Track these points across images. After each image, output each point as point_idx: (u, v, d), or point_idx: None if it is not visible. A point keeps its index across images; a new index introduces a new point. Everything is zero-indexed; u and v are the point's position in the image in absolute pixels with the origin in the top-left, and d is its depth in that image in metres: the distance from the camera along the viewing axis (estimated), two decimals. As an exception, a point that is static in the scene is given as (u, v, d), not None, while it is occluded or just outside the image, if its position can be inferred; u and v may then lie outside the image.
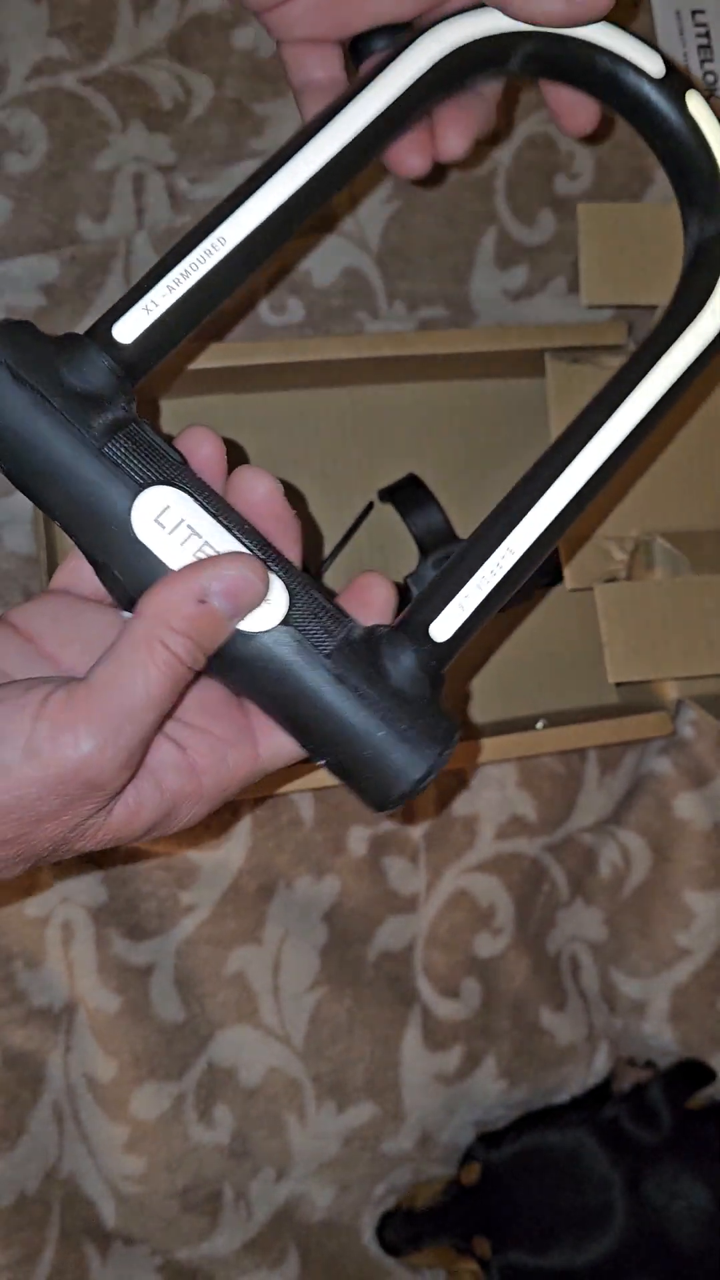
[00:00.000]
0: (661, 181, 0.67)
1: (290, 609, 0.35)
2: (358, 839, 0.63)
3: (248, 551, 0.35)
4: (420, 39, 0.40)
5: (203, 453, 0.38)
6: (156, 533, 0.35)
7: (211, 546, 0.35)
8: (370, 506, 0.63)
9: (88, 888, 0.60)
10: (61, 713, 0.32)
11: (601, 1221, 0.59)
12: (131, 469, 0.35)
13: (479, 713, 0.65)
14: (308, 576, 0.37)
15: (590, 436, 0.40)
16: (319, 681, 0.35)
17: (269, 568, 0.35)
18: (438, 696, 0.37)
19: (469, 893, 0.64)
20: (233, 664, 0.36)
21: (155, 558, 0.35)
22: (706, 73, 0.67)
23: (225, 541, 0.35)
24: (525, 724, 0.62)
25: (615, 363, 0.59)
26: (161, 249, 0.62)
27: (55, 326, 0.60)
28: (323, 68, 0.45)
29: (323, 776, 0.56)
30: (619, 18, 0.42)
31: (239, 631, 0.35)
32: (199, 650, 0.34)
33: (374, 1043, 0.63)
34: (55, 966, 0.59)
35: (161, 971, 0.61)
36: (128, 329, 0.36)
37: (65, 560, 0.41)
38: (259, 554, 0.35)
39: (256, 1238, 0.62)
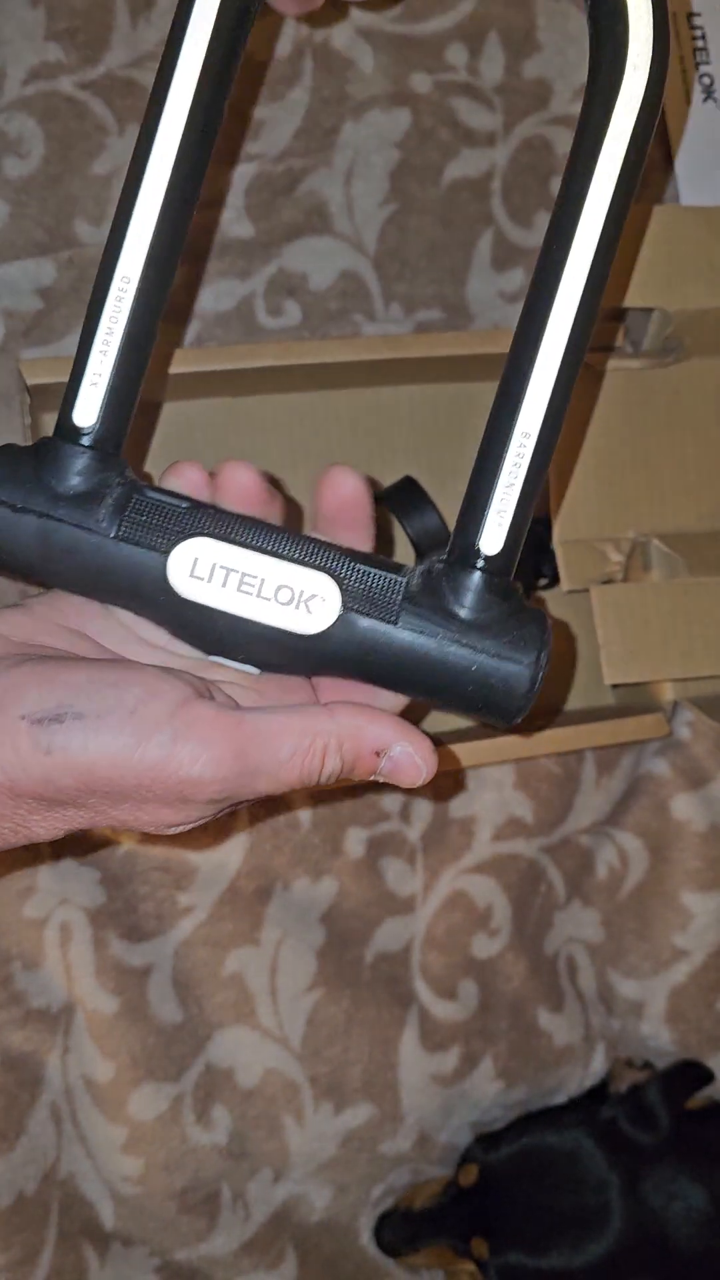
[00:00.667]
0: (655, 185, 0.67)
1: (343, 596, 0.36)
2: (355, 840, 0.63)
3: (423, 736, 0.36)
4: None
5: (240, 482, 0.38)
6: (200, 587, 0.36)
7: (255, 578, 0.36)
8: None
9: (86, 889, 0.60)
10: (200, 724, 0.33)
11: (599, 1223, 0.59)
12: (150, 541, 0.36)
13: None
14: (345, 551, 0.37)
15: (557, 281, 0.37)
16: (398, 647, 0.36)
17: (311, 565, 0.36)
18: (515, 603, 0.37)
19: (466, 894, 0.64)
20: (315, 662, 0.37)
21: (211, 610, 0.36)
22: (702, 75, 0.67)
23: (259, 564, 0.36)
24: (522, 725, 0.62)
25: (611, 364, 0.59)
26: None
27: (53, 329, 0.61)
28: None
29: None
30: None
31: (308, 636, 0.36)
32: (336, 778, 0.35)
33: (371, 1044, 0.63)
34: (53, 968, 0.60)
35: (159, 973, 0.61)
36: (86, 412, 0.37)
37: None
38: (298, 555, 0.36)
39: (254, 1239, 0.62)
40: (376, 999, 0.63)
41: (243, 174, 0.63)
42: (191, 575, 0.36)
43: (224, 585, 0.36)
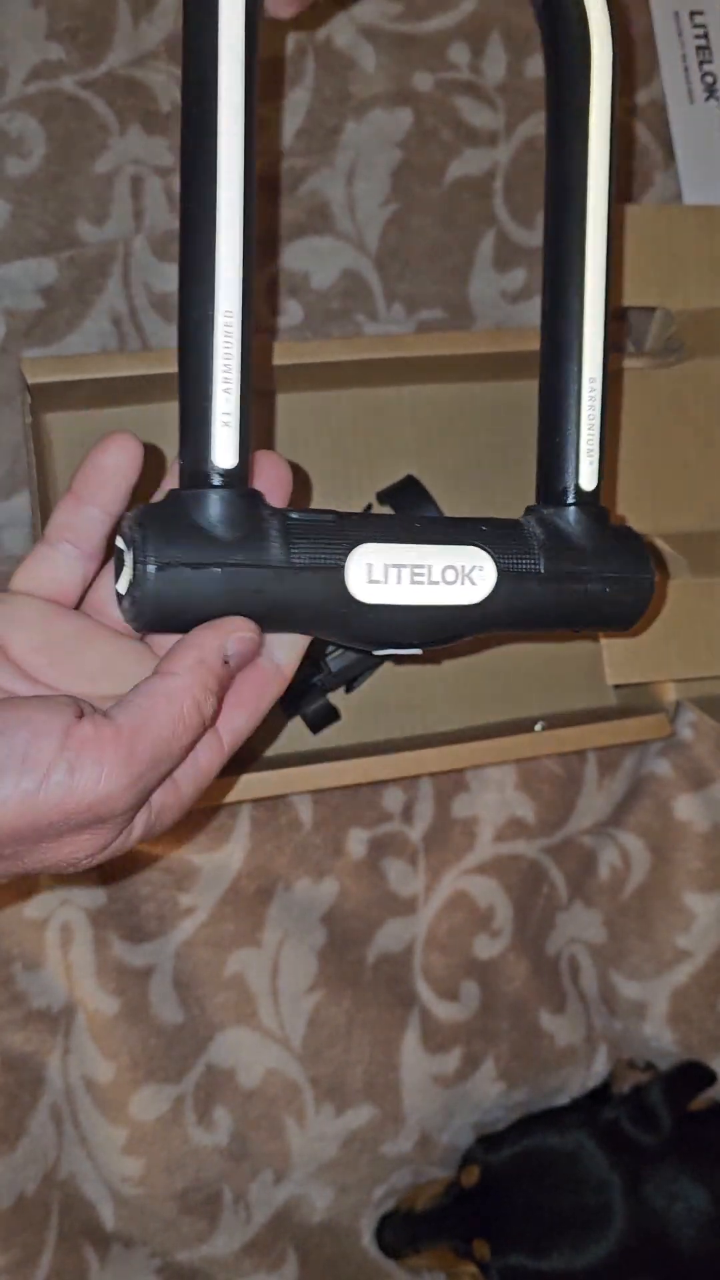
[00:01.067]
0: (660, 183, 0.67)
1: (497, 563, 0.39)
2: (357, 841, 0.63)
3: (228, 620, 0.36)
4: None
5: (274, 475, 0.39)
6: (379, 590, 0.37)
7: (424, 566, 0.38)
8: (369, 508, 0.63)
9: (87, 890, 0.60)
10: (87, 747, 0.32)
11: (601, 1224, 0.58)
12: (324, 561, 0.37)
13: (478, 714, 0.65)
14: (473, 520, 0.40)
15: (575, 239, 0.41)
16: (548, 592, 0.40)
17: (461, 541, 0.39)
18: (614, 526, 0.43)
19: (468, 895, 0.64)
20: (479, 625, 0.40)
21: (393, 607, 0.38)
22: (705, 74, 0.67)
23: (427, 555, 0.38)
24: (524, 726, 0.62)
25: (613, 365, 0.59)
26: (161, 252, 0.62)
27: (54, 328, 0.61)
28: None
29: (320, 777, 0.57)
30: None
31: (474, 604, 0.39)
32: (217, 706, 0.36)
33: (373, 1045, 0.63)
34: (54, 968, 0.59)
35: (160, 973, 0.61)
36: (225, 454, 0.36)
37: (22, 563, 0.40)
38: (446, 535, 0.39)
39: (255, 1240, 0.62)
40: (378, 1000, 0.63)
41: (244, 173, 0.63)
42: (369, 581, 0.37)
43: (399, 582, 0.38)
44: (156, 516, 0.36)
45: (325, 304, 0.63)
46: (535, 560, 0.40)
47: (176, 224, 0.62)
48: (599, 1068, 0.66)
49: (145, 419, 0.61)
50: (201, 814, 0.61)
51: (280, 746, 0.62)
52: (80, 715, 0.33)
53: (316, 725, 0.61)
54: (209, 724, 0.36)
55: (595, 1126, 0.61)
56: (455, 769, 0.63)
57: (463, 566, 0.39)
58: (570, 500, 0.41)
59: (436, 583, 0.38)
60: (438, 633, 0.40)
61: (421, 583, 0.38)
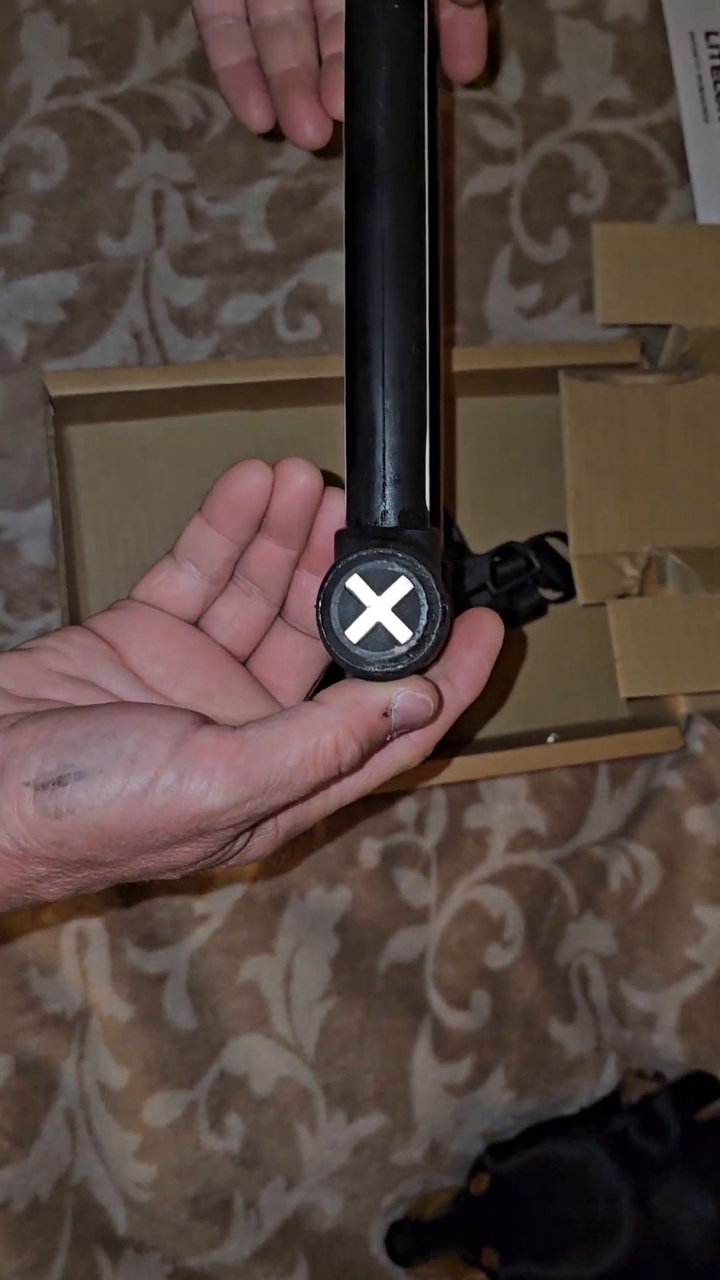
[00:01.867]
0: (675, 201, 0.67)
1: None
2: (369, 850, 0.63)
3: (413, 677, 0.35)
4: None
5: (300, 481, 0.38)
6: None
7: None
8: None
9: (103, 895, 0.60)
10: (203, 755, 0.32)
11: (610, 1233, 0.59)
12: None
13: (492, 726, 0.65)
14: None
15: None
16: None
17: None
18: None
19: (480, 905, 0.65)
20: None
21: None
22: (720, 94, 0.68)
23: None
24: (537, 738, 0.62)
25: (629, 380, 0.60)
26: (181, 266, 0.63)
27: (75, 340, 0.61)
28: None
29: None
30: None
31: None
32: (360, 758, 0.34)
33: (384, 1053, 0.63)
34: (70, 974, 0.60)
35: (174, 980, 0.61)
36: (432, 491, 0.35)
37: (149, 572, 0.40)
38: None
39: (266, 1246, 0.62)
40: (390, 1008, 0.63)
41: (264, 189, 0.64)
42: None
43: None
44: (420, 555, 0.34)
45: (342, 318, 0.64)
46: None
47: (195, 238, 0.63)
48: (608, 1078, 0.67)
49: (165, 432, 0.62)
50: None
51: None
52: (200, 724, 0.33)
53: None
54: (345, 771, 0.34)
55: (604, 1136, 0.61)
56: (468, 780, 0.64)
57: None
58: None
59: None
60: None
61: None
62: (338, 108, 0.44)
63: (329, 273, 0.64)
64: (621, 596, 0.59)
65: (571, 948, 0.66)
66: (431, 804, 0.65)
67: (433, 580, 0.34)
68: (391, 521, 0.34)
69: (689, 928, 0.66)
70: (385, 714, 0.34)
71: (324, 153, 0.59)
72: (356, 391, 0.35)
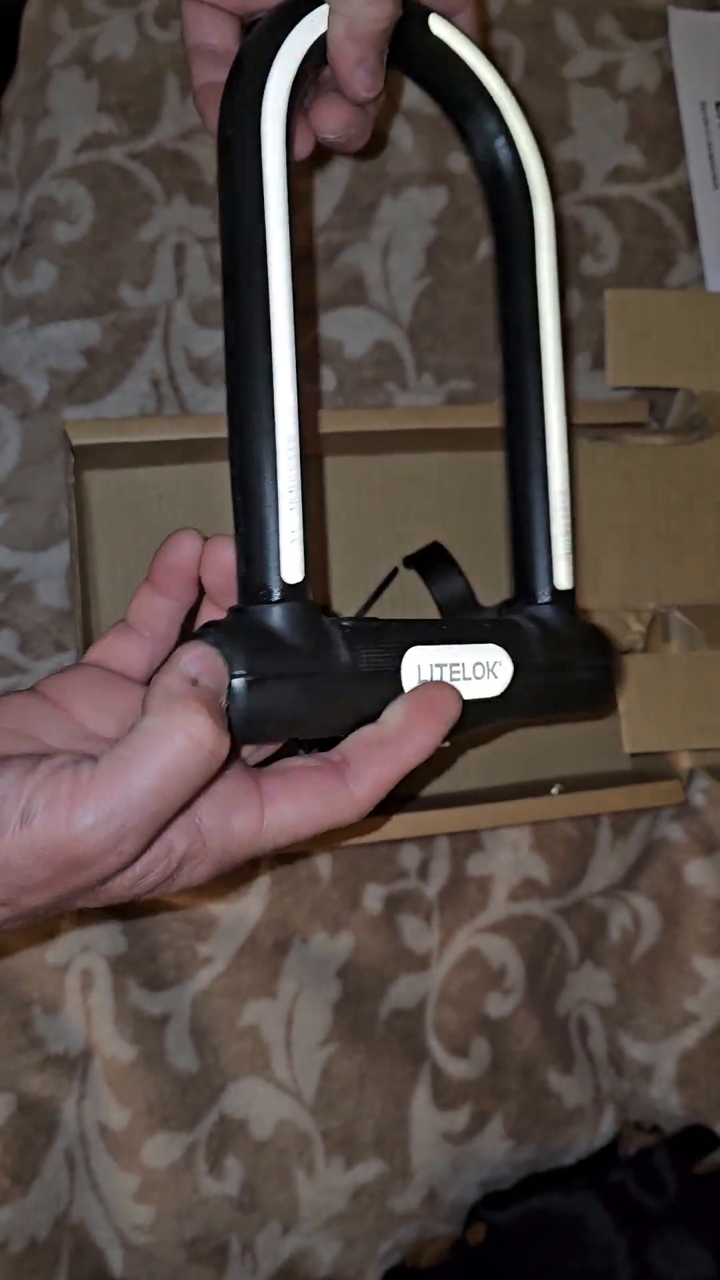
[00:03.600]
0: (684, 264, 0.69)
1: (511, 656, 0.44)
2: (373, 896, 0.64)
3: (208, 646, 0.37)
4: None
5: (225, 556, 0.41)
6: None
7: (459, 664, 0.42)
8: (395, 572, 0.65)
9: (108, 937, 0.61)
10: (65, 787, 0.33)
11: (605, 1286, 0.59)
12: (382, 665, 0.40)
13: (496, 776, 0.66)
14: (485, 619, 0.46)
15: (528, 355, 0.48)
16: (549, 683, 0.45)
17: (483, 640, 0.43)
18: (582, 619, 0.49)
19: (481, 953, 0.65)
20: (497, 714, 0.44)
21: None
22: (730, 161, 0.69)
23: (461, 653, 0.42)
24: (541, 788, 0.63)
25: (637, 440, 0.61)
26: (201, 317, 0.64)
27: (95, 388, 0.63)
28: (218, 35, 0.49)
29: (340, 834, 0.58)
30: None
31: (493, 698, 0.43)
32: (208, 731, 0.33)
33: (384, 1099, 0.63)
34: (73, 1014, 0.60)
35: (177, 1022, 0.62)
36: (293, 568, 0.39)
37: (101, 637, 0.44)
38: (470, 635, 0.43)
39: (262, 1291, 0.62)
40: (390, 1054, 0.64)
41: (284, 245, 0.65)
42: (418, 680, 0.41)
43: (440, 679, 0.41)
44: (237, 632, 0.37)
45: (358, 372, 0.65)
46: (537, 653, 0.45)
47: (216, 290, 0.64)
48: (606, 1129, 0.67)
49: (181, 479, 0.63)
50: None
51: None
52: (76, 760, 0.34)
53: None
54: (218, 755, 0.34)
55: (601, 1188, 0.62)
56: (472, 829, 0.64)
57: (488, 662, 0.43)
58: (547, 599, 0.47)
59: (469, 678, 0.42)
60: (468, 723, 0.42)
61: (459, 679, 0.42)
62: (326, 127, 0.48)
63: (345, 328, 0.65)
64: (626, 653, 0.60)
65: (571, 997, 0.67)
66: (435, 851, 0.65)
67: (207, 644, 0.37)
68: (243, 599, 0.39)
69: (688, 979, 0.67)
70: (193, 682, 0.34)
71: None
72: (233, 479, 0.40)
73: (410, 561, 0.63)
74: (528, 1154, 0.65)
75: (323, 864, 0.64)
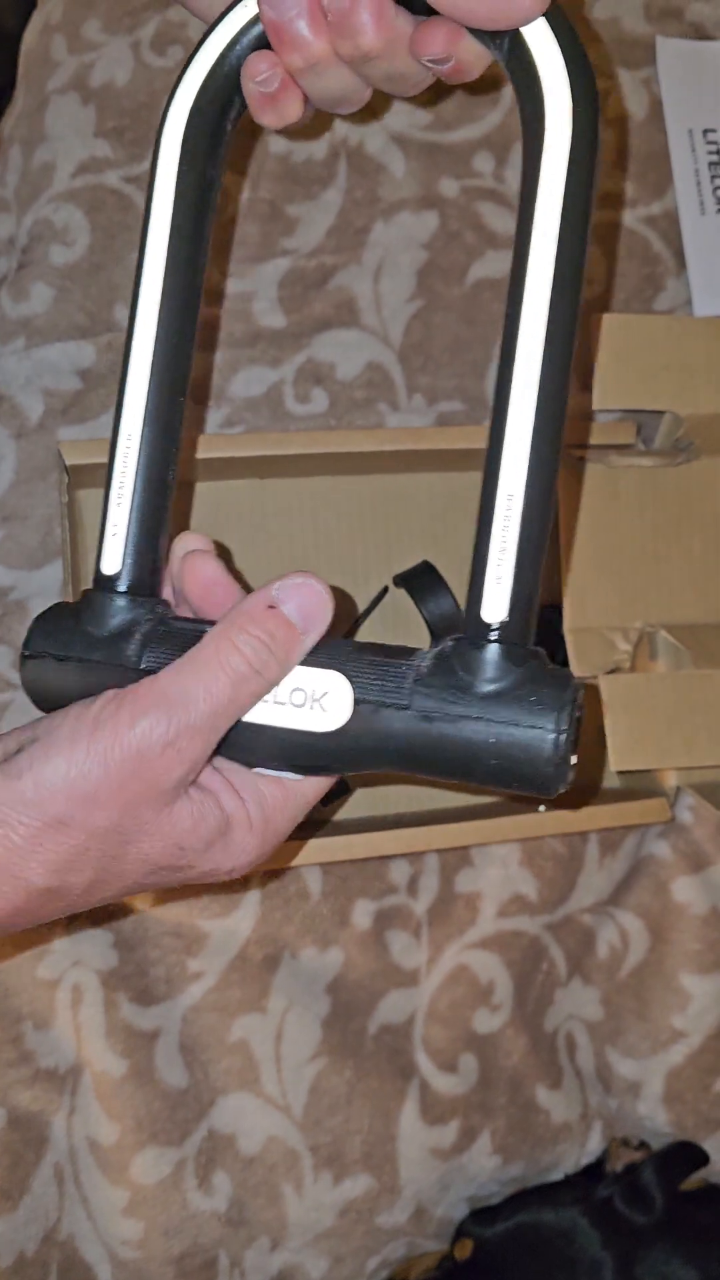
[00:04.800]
0: (672, 289, 0.70)
1: (354, 689, 0.37)
2: (363, 912, 0.64)
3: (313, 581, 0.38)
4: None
5: (203, 574, 0.42)
6: None
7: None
8: (385, 591, 0.66)
9: (99, 952, 0.61)
10: (120, 708, 0.36)
11: (592, 1303, 0.59)
12: (165, 664, 0.38)
13: (485, 792, 0.66)
14: (354, 645, 0.39)
15: (516, 338, 0.36)
16: (414, 732, 0.36)
17: (318, 665, 0.38)
18: (534, 667, 0.36)
19: (469, 969, 0.66)
20: (340, 757, 0.38)
21: (242, 725, 0.38)
22: (716, 187, 0.70)
23: None
24: (529, 805, 0.63)
25: (624, 461, 0.62)
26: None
27: (90, 408, 0.63)
28: None
29: (330, 850, 0.58)
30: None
31: (323, 734, 0.37)
32: (270, 656, 0.36)
33: (372, 1115, 0.64)
34: (64, 1028, 0.61)
35: (167, 1037, 0.62)
36: (111, 561, 0.41)
37: None
38: (323, 660, 0.38)
39: (250, 1307, 0.62)
40: (379, 1070, 0.64)
41: (277, 267, 0.66)
42: None
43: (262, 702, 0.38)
44: (55, 611, 0.41)
45: (349, 393, 0.66)
46: (403, 697, 0.36)
47: (210, 313, 0.65)
48: (593, 1145, 0.67)
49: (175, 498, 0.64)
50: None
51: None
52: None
53: (327, 799, 0.62)
54: (266, 673, 0.36)
55: (589, 1204, 0.62)
56: (461, 845, 0.65)
57: (312, 691, 0.37)
58: (481, 634, 0.36)
59: (282, 704, 0.37)
60: (296, 757, 0.38)
61: (266, 702, 0.37)
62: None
63: (337, 349, 0.66)
64: (613, 671, 0.60)
65: (559, 1014, 0.67)
66: (424, 868, 0.66)
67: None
68: None
69: (675, 996, 0.67)
70: (272, 605, 0.37)
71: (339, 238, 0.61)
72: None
73: (400, 580, 0.64)
74: (515, 1170, 0.66)
75: (312, 880, 0.64)
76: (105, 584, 0.40)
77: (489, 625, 0.36)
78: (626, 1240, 0.60)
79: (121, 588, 0.40)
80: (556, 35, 0.36)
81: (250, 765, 0.40)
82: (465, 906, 0.66)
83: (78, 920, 0.61)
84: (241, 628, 0.36)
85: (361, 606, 0.65)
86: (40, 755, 0.35)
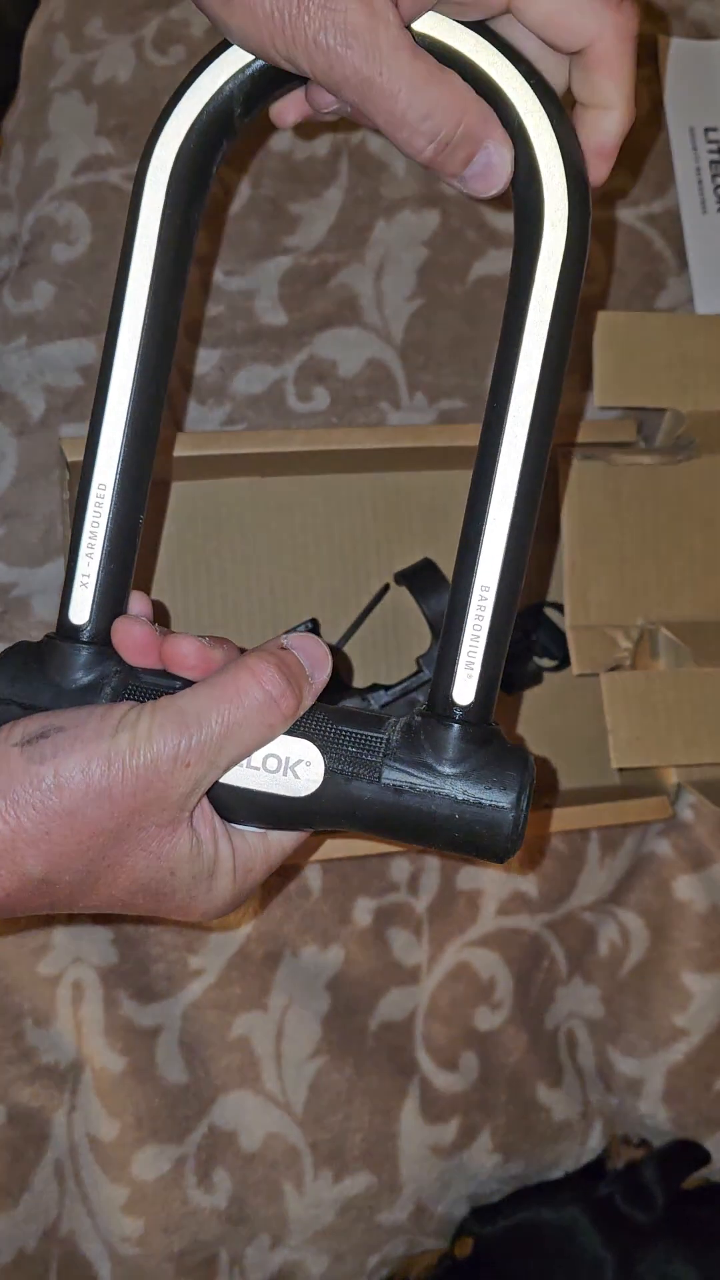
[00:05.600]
0: (673, 287, 0.70)
1: (326, 759, 0.39)
2: (363, 910, 0.64)
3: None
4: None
5: (183, 652, 0.41)
6: None
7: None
8: (386, 588, 0.66)
9: (99, 949, 0.61)
10: (140, 718, 0.37)
11: (593, 1301, 0.59)
12: None
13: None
14: (328, 713, 0.40)
15: (499, 439, 0.38)
16: (383, 803, 0.38)
17: (294, 733, 0.39)
18: (495, 747, 0.39)
19: (470, 966, 0.66)
20: (311, 820, 0.40)
21: (218, 785, 0.39)
22: (717, 186, 0.70)
23: None
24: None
25: (626, 459, 0.62)
26: (193, 336, 0.65)
27: (89, 406, 0.63)
28: None
29: (331, 848, 0.58)
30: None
31: (296, 799, 0.39)
32: (286, 687, 0.38)
33: (373, 1112, 0.64)
34: (64, 1025, 0.61)
35: (168, 1034, 0.62)
36: (80, 611, 0.41)
37: None
38: (298, 728, 0.39)
39: (250, 1305, 0.62)
40: (379, 1068, 0.64)
41: (279, 265, 0.66)
42: None
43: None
44: (18, 655, 0.41)
45: (351, 391, 0.66)
46: (374, 769, 0.38)
47: (211, 310, 0.65)
48: (594, 1143, 0.67)
49: (175, 496, 0.64)
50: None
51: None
52: None
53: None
54: (281, 704, 0.38)
55: (589, 1202, 0.62)
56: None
57: (287, 758, 0.39)
58: (446, 713, 0.39)
59: (256, 769, 0.39)
60: (268, 817, 0.40)
61: (241, 766, 0.38)
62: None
63: (339, 347, 0.66)
64: (614, 669, 0.60)
65: (560, 1012, 0.67)
66: (425, 865, 0.66)
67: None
68: None
69: (676, 994, 0.67)
70: (283, 647, 0.39)
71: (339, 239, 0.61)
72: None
73: (401, 578, 0.64)
74: (516, 1168, 0.66)
75: (313, 877, 0.64)
76: (71, 633, 0.41)
77: (458, 705, 0.39)
78: (627, 1238, 0.60)
79: (87, 638, 0.41)
80: (567, 174, 0.39)
81: (228, 820, 0.41)
82: (466, 904, 0.66)
83: (79, 916, 0.61)
84: (259, 658, 0.38)
85: (362, 604, 0.66)
86: (65, 745, 0.36)
